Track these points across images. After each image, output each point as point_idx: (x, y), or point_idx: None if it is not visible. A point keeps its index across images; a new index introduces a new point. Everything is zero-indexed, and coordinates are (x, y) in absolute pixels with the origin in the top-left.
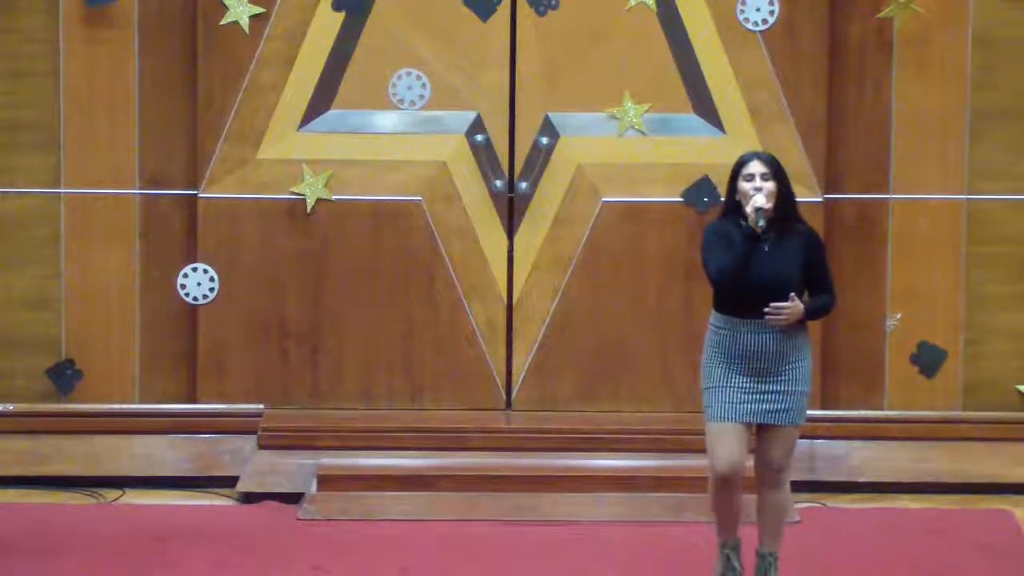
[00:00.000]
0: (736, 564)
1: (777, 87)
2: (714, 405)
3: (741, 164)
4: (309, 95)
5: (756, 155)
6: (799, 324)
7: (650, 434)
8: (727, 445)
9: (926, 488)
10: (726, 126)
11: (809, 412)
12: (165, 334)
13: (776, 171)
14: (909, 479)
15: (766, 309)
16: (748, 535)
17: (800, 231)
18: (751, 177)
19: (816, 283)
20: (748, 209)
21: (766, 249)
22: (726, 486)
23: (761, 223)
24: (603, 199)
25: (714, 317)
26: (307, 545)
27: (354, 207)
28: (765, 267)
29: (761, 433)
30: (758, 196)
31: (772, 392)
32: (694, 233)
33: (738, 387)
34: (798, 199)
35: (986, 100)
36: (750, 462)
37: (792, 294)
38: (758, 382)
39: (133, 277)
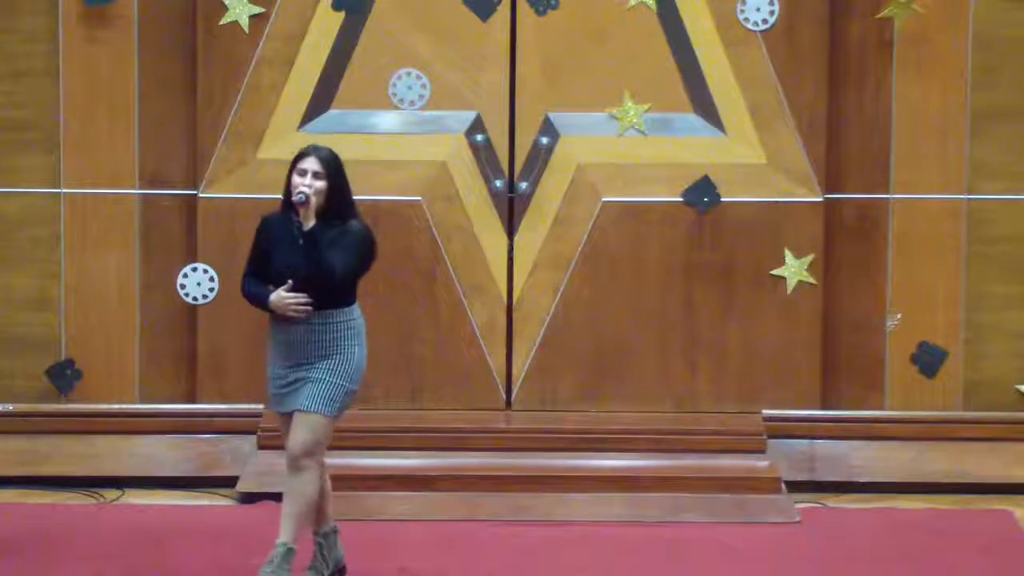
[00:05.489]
0: (320, 557)
1: (777, 87)
2: (270, 395)
3: (298, 157)
4: (309, 95)
5: (315, 150)
6: (339, 317)
7: (650, 434)
8: (284, 436)
9: (926, 488)
10: (726, 126)
11: (809, 412)
12: (165, 334)
13: (331, 170)
14: (909, 479)
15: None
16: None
17: (345, 227)
18: (304, 172)
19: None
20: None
21: (300, 243)
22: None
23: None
24: (603, 199)
25: None
26: (307, 545)
27: None
28: (286, 258)
29: None
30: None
31: (299, 380)
32: (694, 233)
33: (277, 377)
34: (798, 199)
35: (986, 100)
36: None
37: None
38: (291, 371)
39: (133, 277)
